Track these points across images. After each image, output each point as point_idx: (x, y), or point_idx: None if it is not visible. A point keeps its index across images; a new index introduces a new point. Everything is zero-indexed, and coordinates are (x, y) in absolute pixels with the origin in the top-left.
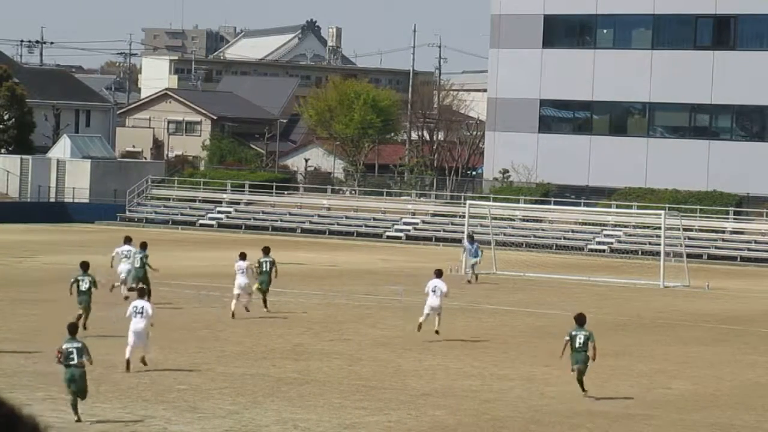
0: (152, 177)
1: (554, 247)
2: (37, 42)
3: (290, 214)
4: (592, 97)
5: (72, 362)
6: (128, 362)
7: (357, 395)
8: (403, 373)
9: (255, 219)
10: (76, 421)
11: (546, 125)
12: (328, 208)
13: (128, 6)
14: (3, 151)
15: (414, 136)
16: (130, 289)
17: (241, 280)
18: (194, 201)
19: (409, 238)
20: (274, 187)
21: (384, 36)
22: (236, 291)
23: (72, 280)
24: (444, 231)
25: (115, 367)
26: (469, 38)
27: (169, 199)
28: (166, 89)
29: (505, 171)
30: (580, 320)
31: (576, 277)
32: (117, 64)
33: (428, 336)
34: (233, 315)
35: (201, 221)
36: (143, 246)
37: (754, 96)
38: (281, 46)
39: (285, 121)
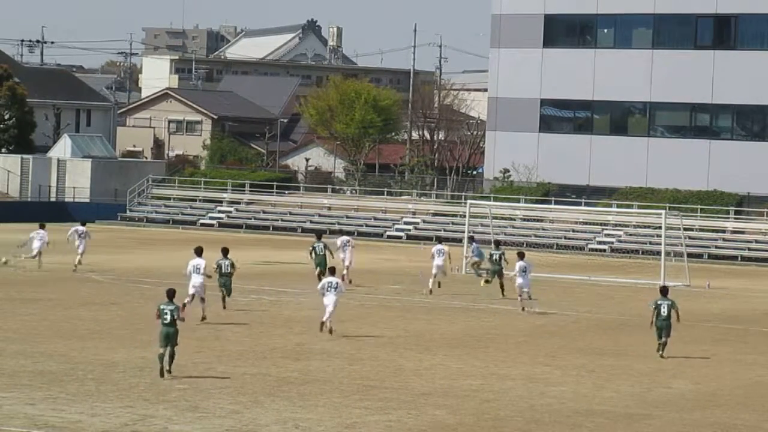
0: (153, 176)
1: (555, 246)
2: (37, 41)
3: (291, 213)
4: (593, 97)
5: (166, 321)
6: (322, 324)
7: (357, 395)
8: (404, 373)
9: (256, 219)
10: (161, 376)
11: (546, 125)
12: (329, 208)
13: (129, 5)
14: (3, 150)
15: (415, 135)
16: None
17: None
18: (195, 200)
19: (409, 237)
20: (274, 186)
21: (384, 36)
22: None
23: (214, 265)
24: (445, 231)
25: (116, 366)
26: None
27: (169, 199)
28: (167, 89)
29: (506, 170)
30: (664, 291)
31: (576, 277)
32: (118, 63)
33: (428, 336)
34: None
35: (201, 221)
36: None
37: (754, 95)
38: (282, 45)
39: (286, 120)
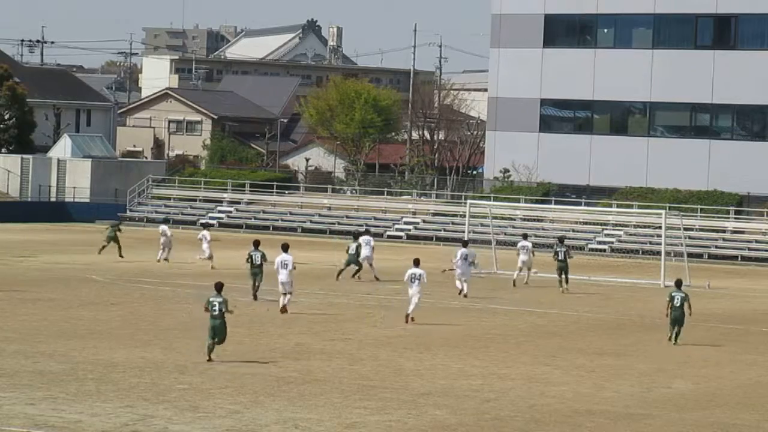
0: (153, 176)
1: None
2: (37, 41)
3: (291, 213)
4: (593, 97)
5: (215, 313)
6: (407, 316)
7: (358, 395)
8: (404, 373)
9: (256, 218)
10: (208, 360)
11: (546, 125)
12: (329, 208)
13: (129, 5)
14: (3, 150)
15: (415, 135)
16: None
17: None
18: (195, 200)
19: (410, 237)
20: (274, 186)
21: (384, 35)
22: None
23: (246, 257)
24: (445, 230)
25: (116, 366)
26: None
27: (169, 199)
28: (167, 89)
29: (506, 170)
30: (678, 284)
31: (576, 277)
32: (118, 63)
33: (428, 336)
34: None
35: (202, 221)
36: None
37: (754, 95)
38: (282, 45)
39: (286, 120)
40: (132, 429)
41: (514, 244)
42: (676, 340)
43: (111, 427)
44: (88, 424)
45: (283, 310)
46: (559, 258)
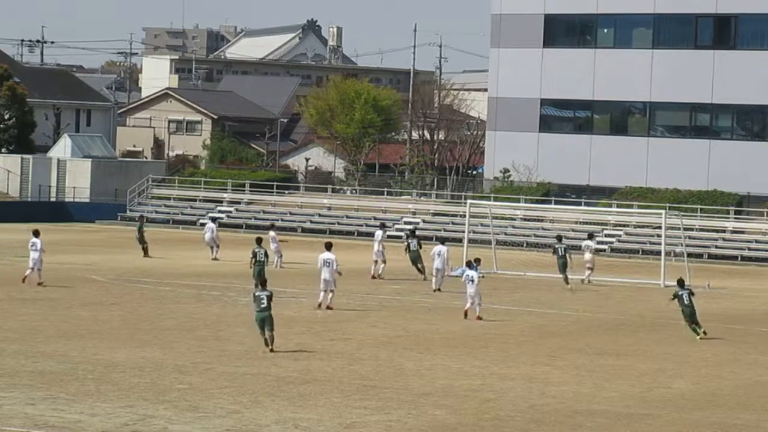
0: (153, 176)
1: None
2: (37, 41)
3: (291, 213)
4: (593, 97)
5: (262, 306)
6: (466, 312)
7: (358, 395)
8: (404, 373)
9: (256, 218)
10: (271, 351)
11: (546, 125)
12: (329, 208)
13: (129, 5)
14: (3, 150)
15: (415, 135)
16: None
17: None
18: (195, 200)
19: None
20: (274, 186)
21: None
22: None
23: (250, 254)
24: (445, 230)
25: (116, 366)
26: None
27: (169, 199)
28: (167, 89)
29: (506, 170)
30: (681, 282)
31: (577, 277)
32: (118, 63)
33: (428, 336)
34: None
35: (202, 221)
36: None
37: (754, 95)
38: (282, 45)
39: (286, 120)
40: (132, 429)
41: (514, 244)
42: (699, 333)
43: (111, 427)
44: (88, 424)
45: (329, 307)
46: (560, 254)
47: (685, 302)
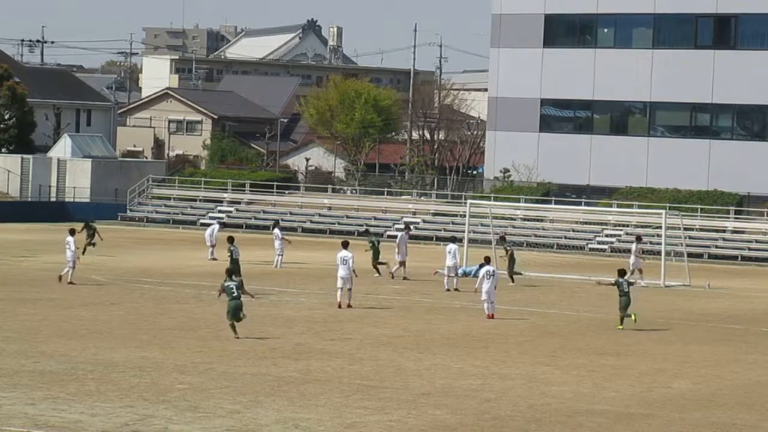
0: (153, 176)
1: (555, 246)
2: (37, 41)
3: (291, 213)
4: (593, 97)
5: (234, 295)
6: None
7: (358, 394)
8: (404, 373)
9: (256, 218)
10: (236, 337)
11: (547, 124)
12: (329, 208)
13: (129, 5)
14: (4, 150)
15: (415, 135)
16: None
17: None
18: (195, 200)
19: (410, 237)
20: (275, 186)
21: (385, 35)
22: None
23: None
24: (445, 230)
25: (116, 366)
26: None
27: (169, 199)
28: (167, 89)
29: (506, 170)
30: (622, 272)
31: (577, 277)
32: (118, 63)
33: (428, 336)
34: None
35: (202, 221)
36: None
37: (754, 95)
38: (282, 45)
39: (286, 120)
40: (132, 429)
41: (514, 244)
42: (622, 324)
43: (111, 427)
44: (88, 424)
45: (349, 305)
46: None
47: (624, 290)
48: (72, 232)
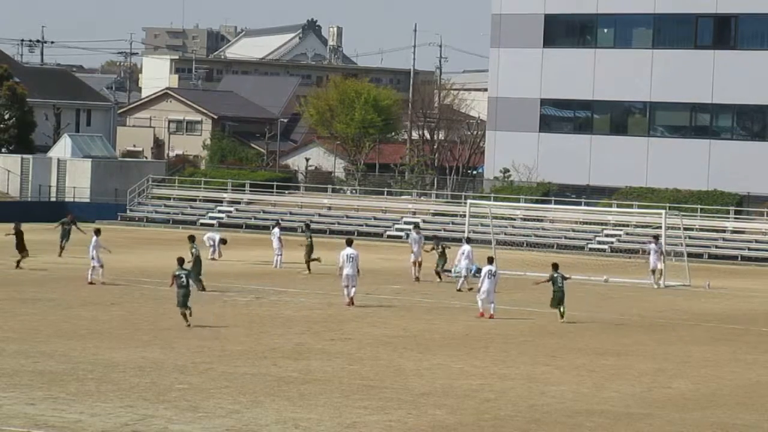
0: (153, 176)
1: (555, 246)
2: (37, 41)
3: (291, 213)
4: (593, 97)
5: (183, 283)
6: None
7: (358, 394)
8: (404, 373)
9: (256, 218)
10: (187, 326)
11: (547, 124)
12: (329, 208)
13: (129, 5)
14: (4, 150)
15: (415, 135)
16: None
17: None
18: (195, 200)
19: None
20: (274, 186)
21: (385, 35)
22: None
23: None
24: (445, 230)
25: (116, 366)
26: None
27: (169, 199)
28: (167, 89)
29: (506, 170)
30: (556, 266)
31: (576, 277)
32: (118, 63)
33: (428, 336)
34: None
35: (202, 221)
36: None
37: (754, 95)
38: (282, 45)
39: (286, 120)
40: (132, 429)
41: (514, 244)
42: (564, 318)
43: (111, 427)
44: (88, 424)
45: (351, 303)
46: (438, 251)
47: (559, 284)
48: (97, 232)
